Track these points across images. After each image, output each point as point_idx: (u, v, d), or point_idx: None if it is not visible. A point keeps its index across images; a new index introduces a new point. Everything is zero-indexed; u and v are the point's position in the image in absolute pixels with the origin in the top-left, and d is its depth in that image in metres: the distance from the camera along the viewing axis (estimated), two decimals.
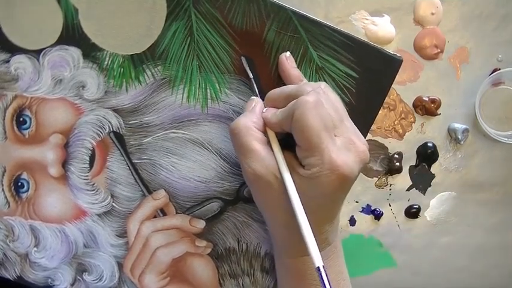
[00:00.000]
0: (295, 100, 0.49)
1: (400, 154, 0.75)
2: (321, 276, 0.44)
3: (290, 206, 0.48)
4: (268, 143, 0.51)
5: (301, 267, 0.53)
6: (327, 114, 0.48)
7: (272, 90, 0.54)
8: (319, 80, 0.57)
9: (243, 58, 0.56)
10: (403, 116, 0.75)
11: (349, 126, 0.51)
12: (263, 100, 0.55)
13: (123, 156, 0.58)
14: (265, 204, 0.52)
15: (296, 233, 0.48)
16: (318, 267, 0.45)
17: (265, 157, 0.50)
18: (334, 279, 0.52)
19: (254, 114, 0.52)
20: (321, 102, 0.48)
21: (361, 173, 0.74)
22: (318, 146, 0.47)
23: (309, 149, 0.48)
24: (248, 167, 0.50)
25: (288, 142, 0.51)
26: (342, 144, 0.49)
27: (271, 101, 0.54)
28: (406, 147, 0.75)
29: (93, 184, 0.58)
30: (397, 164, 0.75)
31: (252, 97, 0.55)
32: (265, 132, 0.52)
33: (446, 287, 0.79)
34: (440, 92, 0.75)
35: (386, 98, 0.72)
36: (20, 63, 0.57)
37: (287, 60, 0.56)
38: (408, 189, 0.76)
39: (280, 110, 0.51)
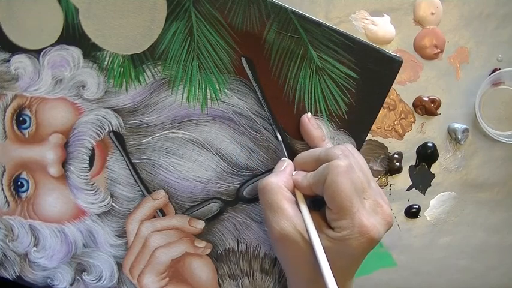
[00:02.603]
0: (326, 164, 0.50)
1: (400, 154, 0.75)
2: None
3: (315, 263, 0.48)
4: (296, 203, 0.52)
5: None
6: (358, 178, 0.50)
7: (300, 154, 0.56)
8: (319, 81, 0.57)
9: (243, 58, 0.56)
10: (403, 116, 0.75)
11: (375, 188, 0.52)
12: (266, 97, 0.56)
13: (122, 156, 0.58)
14: (290, 260, 0.52)
15: None
16: None
17: (293, 216, 0.50)
18: None
19: (284, 175, 0.54)
20: (352, 167, 0.49)
21: None
22: (349, 210, 0.48)
23: (340, 212, 0.49)
24: (276, 225, 0.50)
25: (315, 202, 0.53)
26: (370, 207, 0.50)
27: (300, 164, 0.55)
28: (406, 147, 0.75)
29: (93, 184, 0.58)
30: (397, 164, 0.75)
31: (283, 158, 0.58)
32: (293, 193, 0.53)
33: (446, 287, 0.79)
34: (440, 92, 0.75)
35: (387, 98, 0.72)
36: (20, 62, 0.57)
37: (309, 121, 0.57)
38: (408, 189, 0.76)
39: (310, 173, 0.52)
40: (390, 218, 0.52)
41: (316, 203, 0.53)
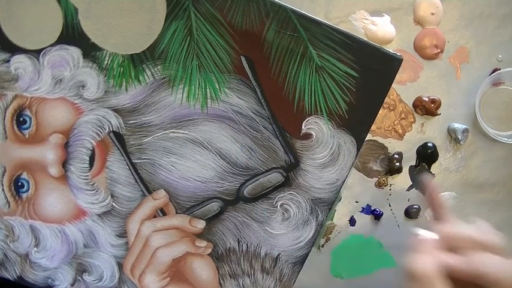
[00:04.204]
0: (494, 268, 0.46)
1: (400, 154, 0.75)
2: None
3: None
4: None
5: None
6: None
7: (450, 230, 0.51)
8: (319, 80, 0.57)
9: (242, 58, 0.56)
10: (403, 116, 0.75)
11: None
12: (266, 97, 0.56)
13: (123, 156, 0.58)
14: None
15: None
16: None
17: None
18: None
19: (436, 255, 0.48)
20: None
21: (361, 173, 0.74)
22: None
23: None
24: None
25: None
26: None
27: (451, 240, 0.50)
28: (406, 147, 0.75)
29: (93, 184, 0.58)
30: (397, 164, 0.75)
31: (420, 233, 0.52)
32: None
33: None
34: (440, 92, 0.75)
35: (387, 98, 0.72)
36: (20, 63, 0.57)
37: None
38: (408, 189, 0.76)
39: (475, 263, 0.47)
40: None
41: None
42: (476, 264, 0.46)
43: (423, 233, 0.51)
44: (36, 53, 0.57)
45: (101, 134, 0.58)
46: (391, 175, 0.75)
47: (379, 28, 0.73)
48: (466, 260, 0.47)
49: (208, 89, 0.57)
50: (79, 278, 0.60)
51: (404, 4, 0.74)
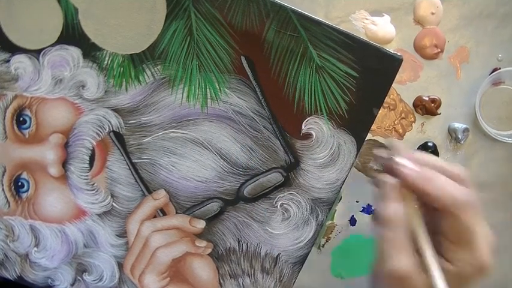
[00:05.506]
0: (454, 197, 0.47)
1: None
2: None
3: None
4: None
5: None
6: (481, 214, 0.48)
7: (433, 173, 0.50)
8: (319, 80, 0.57)
9: (242, 58, 0.56)
10: (403, 115, 0.75)
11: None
12: (266, 97, 0.56)
13: (123, 156, 0.58)
14: None
15: None
16: None
17: (412, 254, 0.48)
18: None
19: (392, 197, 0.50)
20: (478, 203, 0.48)
21: (361, 173, 0.74)
22: (472, 244, 0.47)
23: (462, 245, 0.47)
24: (397, 263, 0.47)
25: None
26: (485, 237, 0.48)
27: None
28: (406, 147, 0.75)
29: (93, 184, 0.58)
30: None
31: (383, 179, 0.52)
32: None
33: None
34: (441, 91, 0.75)
35: (387, 98, 0.72)
36: (20, 62, 0.57)
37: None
38: None
39: (437, 185, 0.48)
40: (491, 236, 0.49)
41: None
42: (425, 178, 0.49)
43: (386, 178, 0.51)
44: (36, 53, 0.57)
45: (101, 133, 0.58)
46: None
47: (379, 28, 0.73)
48: (419, 173, 0.49)
49: (208, 89, 0.57)
50: (79, 278, 0.60)
51: (405, 4, 0.74)
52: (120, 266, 0.60)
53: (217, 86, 0.57)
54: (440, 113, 0.75)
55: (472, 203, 0.47)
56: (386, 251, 0.48)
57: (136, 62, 0.57)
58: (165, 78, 0.57)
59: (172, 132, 0.58)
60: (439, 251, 0.48)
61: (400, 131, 0.75)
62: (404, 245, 0.47)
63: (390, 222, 0.48)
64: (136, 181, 0.58)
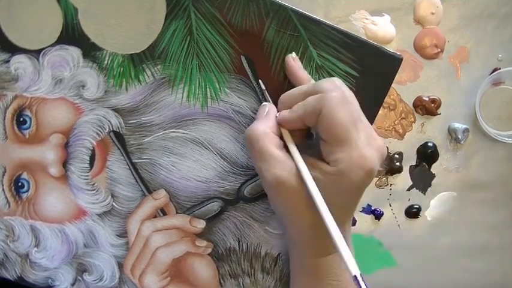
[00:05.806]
0: (319, 96, 0.48)
1: (400, 154, 0.75)
2: (359, 285, 0.43)
3: (313, 207, 0.47)
4: (285, 147, 0.51)
5: (324, 267, 0.52)
6: (353, 109, 0.48)
7: (285, 93, 0.53)
8: (319, 79, 0.57)
9: (242, 57, 0.56)
10: (403, 115, 0.75)
11: (366, 122, 0.50)
12: (267, 96, 0.56)
13: (123, 156, 0.58)
14: (288, 207, 0.51)
15: (320, 234, 0.48)
16: (355, 275, 0.44)
17: (285, 160, 0.49)
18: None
19: (269, 120, 0.52)
20: (346, 98, 0.48)
21: None
22: (347, 141, 0.47)
23: (337, 144, 0.47)
24: (269, 173, 0.49)
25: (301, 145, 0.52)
26: (365, 139, 0.48)
27: (285, 103, 0.53)
28: (406, 147, 0.75)
29: (94, 184, 0.58)
30: (397, 164, 0.75)
31: (264, 103, 0.55)
32: (280, 137, 0.51)
33: (447, 287, 0.79)
34: (441, 91, 0.75)
35: (387, 98, 0.72)
36: (20, 63, 0.57)
37: (294, 61, 0.55)
38: (408, 189, 0.76)
39: (297, 105, 0.50)
40: (383, 149, 0.50)
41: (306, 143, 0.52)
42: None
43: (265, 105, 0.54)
44: (36, 53, 0.57)
45: (101, 133, 0.58)
46: (391, 175, 0.76)
47: (379, 28, 0.73)
48: (291, 109, 0.51)
49: (208, 89, 0.57)
50: (79, 278, 0.60)
51: (405, 4, 0.74)
52: (121, 266, 0.60)
53: (217, 86, 0.57)
54: (440, 113, 0.75)
55: (335, 94, 0.48)
56: (258, 165, 0.50)
57: (136, 61, 0.57)
58: (165, 78, 0.57)
59: (173, 132, 0.58)
60: (324, 158, 0.49)
61: (400, 131, 0.75)
62: (272, 157, 0.49)
63: (254, 137, 0.50)
64: (136, 181, 0.58)
